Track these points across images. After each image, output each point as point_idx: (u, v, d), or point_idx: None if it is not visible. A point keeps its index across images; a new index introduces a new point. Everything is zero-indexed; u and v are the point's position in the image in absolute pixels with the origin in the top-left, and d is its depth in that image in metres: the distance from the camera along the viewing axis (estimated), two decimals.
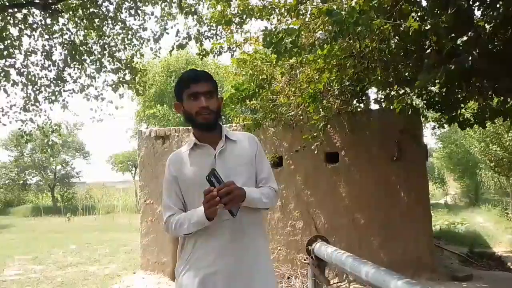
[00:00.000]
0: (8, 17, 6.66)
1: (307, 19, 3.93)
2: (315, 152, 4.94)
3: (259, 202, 1.81)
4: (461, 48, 3.28)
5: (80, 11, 6.93)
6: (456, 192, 23.88)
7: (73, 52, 7.03)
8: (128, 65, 7.42)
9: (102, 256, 8.34)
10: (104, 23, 7.08)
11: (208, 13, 5.82)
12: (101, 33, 7.14)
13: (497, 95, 4.22)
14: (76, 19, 7.06)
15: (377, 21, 2.95)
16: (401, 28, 3.18)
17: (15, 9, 6.55)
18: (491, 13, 3.19)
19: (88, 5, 6.83)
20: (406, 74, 4.25)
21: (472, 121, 4.62)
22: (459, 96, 4.41)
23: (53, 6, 6.41)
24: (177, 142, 6.06)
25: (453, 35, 3.32)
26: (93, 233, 12.44)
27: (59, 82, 7.17)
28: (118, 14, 7.03)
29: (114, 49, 7.41)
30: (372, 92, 5.97)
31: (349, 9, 2.97)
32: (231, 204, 1.65)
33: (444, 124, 5.38)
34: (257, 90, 4.99)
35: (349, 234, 5.38)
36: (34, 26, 6.99)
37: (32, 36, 7.03)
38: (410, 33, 2.98)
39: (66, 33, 7.24)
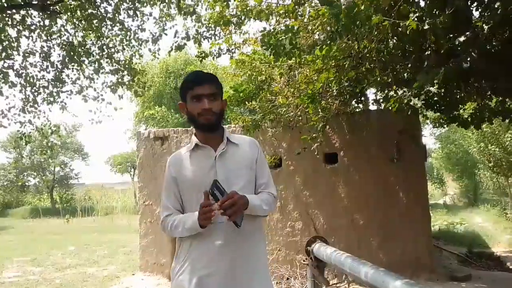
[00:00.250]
0: (6, 18, 6.65)
1: (305, 20, 3.94)
2: (315, 153, 4.94)
3: (260, 210, 1.82)
4: (459, 48, 3.29)
5: (79, 12, 6.92)
6: (455, 192, 23.90)
7: (72, 53, 7.02)
8: (127, 66, 7.41)
9: (101, 257, 8.32)
10: (102, 24, 7.07)
11: (206, 14, 5.83)
12: (99, 34, 7.13)
13: (496, 95, 4.23)
14: (75, 20, 7.05)
15: (376, 18, 2.95)
16: (400, 29, 3.18)
17: (13, 10, 6.54)
18: (489, 13, 3.20)
19: (87, 6, 6.82)
20: (405, 74, 4.26)
21: (469, 121, 4.63)
22: (458, 96, 4.41)
23: (51, 7, 6.40)
24: (176, 143, 6.06)
25: (451, 35, 3.33)
26: (92, 235, 12.41)
27: (58, 83, 7.17)
28: (116, 15, 7.03)
29: (112, 50, 7.40)
30: (371, 93, 5.98)
31: (348, 4, 2.98)
32: (235, 216, 1.66)
33: (443, 124, 5.40)
34: (256, 91, 4.99)
35: (348, 234, 5.38)
36: (33, 27, 6.99)
37: (31, 37, 7.02)
38: (408, 33, 2.98)
39: (65, 34, 7.23)
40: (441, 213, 15.81)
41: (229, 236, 1.76)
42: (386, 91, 4.74)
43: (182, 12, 6.50)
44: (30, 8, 6.62)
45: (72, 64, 7.16)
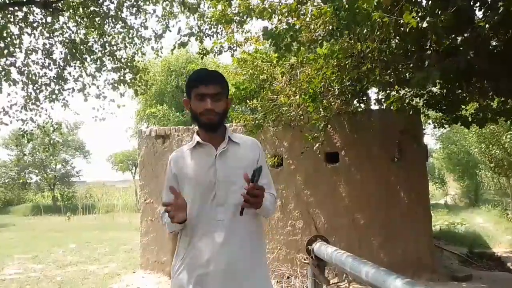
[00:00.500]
0: (9, 16, 6.65)
1: (307, 19, 3.93)
2: (317, 153, 4.94)
3: (266, 211, 1.85)
4: (461, 48, 3.28)
5: (81, 10, 6.92)
6: (456, 192, 23.86)
7: (74, 50, 7.02)
8: (129, 64, 7.41)
9: (102, 255, 8.33)
10: (105, 22, 7.07)
11: (208, 12, 5.83)
12: (101, 32, 7.13)
13: (498, 95, 4.22)
14: (77, 17, 7.05)
15: (376, 14, 2.94)
16: (402, 28, 3.18)
17: (16, 8, 6.55)
18: (490, 12, 3.19)
19: (89, 4, 6.82)
20: (407, 74, 4.25)
21: (471, 121, 4.62)
22: (459, 96, 4.41)
23: (53, 5, 6.40)
24: (177, 142, 6.06)
25: (453, 35, 3.32)
26: (93, 232, 12.43)
27: (60, 81, 7.17)
28: (119, 12, 7.02)
29: (115, 48, 7.40)
30: (373, 92, 5.98)
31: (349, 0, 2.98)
32: (253, 206, 1.68)
33: (445, 124, 5.39)
34: (257, 90, 4.99)
35: (349, 234, 5.38)
36: (35, 24, 6.98)
37: (33, 35, 7.02)
38: (408, 30, 2.98)
39: (67, 32, 7.23)
40: (442, 213, 15.78)
41: (229, 234, 1.75)
42: (388, 91, 4.74)
43: (186, 8, 6.46)
44: (33, 5, 6.62)
45: (74, 61, 7.16)
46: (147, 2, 7.09)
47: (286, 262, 5.51)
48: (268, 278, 1.95)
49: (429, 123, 6.54)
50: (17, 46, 6.79)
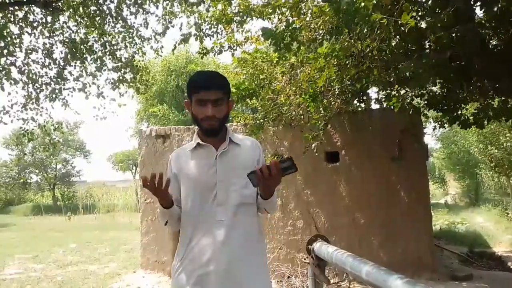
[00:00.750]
0: (9, 15, 6.66)
1: (308, 19, 3.93)
2: (315, 151, 4.93)
3: (272, 205, 1.87)
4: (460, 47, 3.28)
5: (81, 9, 6.93)
6: (456, 192, 23.88)
7: (74, 50, 7.02)
8: (129, 64, 7.41)
9: (102, 255, 8.34)
10: (105, 21, 7.07)
11: (209, 12, 5.81)
12: (102, 31, 7.13)
13: (498, 95, 4.22)
14: (77, 17, 7.06)
15: (375, 15, 2.94)
16: (402, 28, 3.17)
17: (16, 7, 6.55)
18: (488, 9, 3.18)
19: (89, 3, 6.83)
20: (407, 74, 4.25)
21: (472, 121, 4.62)
22: (460, 96, 4.40)
23: (53, 4, 6.41)
24: (177, 141, 6.06)
25: (453, 35, 3.32)
26: (93, 232, 12.44)
27: (60, 80, 7.17)
28: (119, 12, 7.02)
29: (115, 47, 7.40)
30: (373, 92, 5.97)
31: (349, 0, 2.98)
32: (265, 186, 1.69)
33: (445, 124, 5.38)
34: (257, 89, 4.99)
35: (349, 233, 5.38)
36: (35, 24, 6.99)
37: (33, 34, 7.03)
38: (407, 31, 2.98)
39: (67, 31, 7.24)
40: (442, 212, 15.79)
41: (229, 234, 1.75)
42: (388, 90, 4.73)
43: (188, 5, 6.41)
44: (33, 5, 6.62)
45: (75, 61, 7.16)
46: (147, 2, 7.09)
47: (286, 261, 5.51)
48: (268, 278, 1.95)
49: (430, 122, 6.54)
50: (17, 45, 6.80)
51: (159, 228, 5.94)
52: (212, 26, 6.08)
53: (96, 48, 7.31)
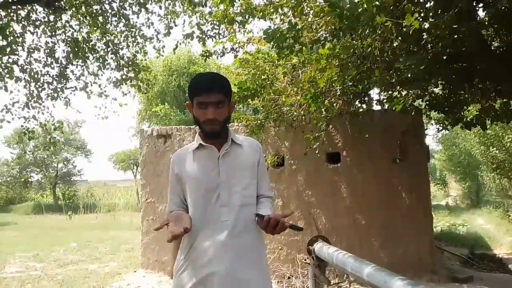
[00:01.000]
0: (12, 14, 6.67)
1: (309, 19, 3.92)
2: (316, 152, 4.93)
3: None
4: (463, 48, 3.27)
5: (83, 8, 6.94)
6: (457, 193, 23.82)
7: (76, 49, 7.04)
8: (131, 63, 7.42)
9: (103, 254, 8.35)
10: (107, 21, 7.08)
11: (211, 12, 5.82)
12: (104, 31, 7.14)
13: (500, 97, 4.21)
14: (79, 16, 7.07)
15: (379, 18, 2.93)
16: (404, 29, 3.17)
17: (19, 6, 6.57)
18: (492, 10, 3.18)
19: (91, 2, 6.84)
20: (409, 75, 4.24)
21: (474, 122, 4.61)
22: (462, 97, 4.39)
23: (56, 3, 6.42)
24: (178, 141, 6.06)
25: (455, 36, 3.31)
26: (94, 231, 12.44)
27: (62, 79, 7.18)
28: (121, 11, 7.03)
29: (117, 46, 7.41)
30: (375, 93, 5.97)
31: (352, 4, 2.97)
32: (269, 231, 1.72)
33: (447, 126, 5.38)
34: (259, 90, 4.98)
35: (350, 234, 5.37)
36: (37, 23, 7.01)
37: (35, 33, 7.05)
38: (411, 33, 2.97)
39: (69, 30, 7.25)
40: (443, 214, 15.76)
41: (231, 234, 1.76)
42: (390, 92, 4.73)
43: (191, 3, 6.41)
44: (35, 4, 6.64)
45: (77, 60, 7.17)
46: (150, 1, 7.10)
47: (287, 262, 5.51)
48: (269, 277, 1.96)
49: (432, 124, 6.53)
50: (19, 44, 6.82)
51: None
52: (214, 27, 6.08)
53: (99, 47, 7.33)
